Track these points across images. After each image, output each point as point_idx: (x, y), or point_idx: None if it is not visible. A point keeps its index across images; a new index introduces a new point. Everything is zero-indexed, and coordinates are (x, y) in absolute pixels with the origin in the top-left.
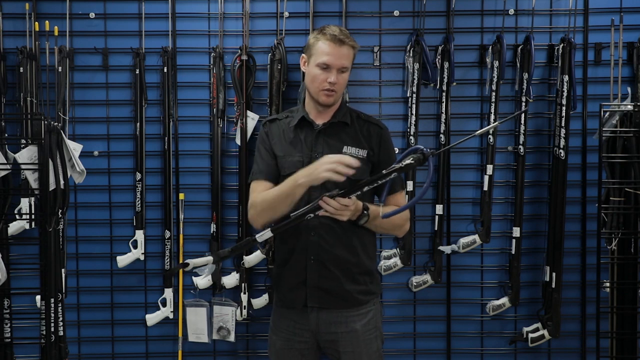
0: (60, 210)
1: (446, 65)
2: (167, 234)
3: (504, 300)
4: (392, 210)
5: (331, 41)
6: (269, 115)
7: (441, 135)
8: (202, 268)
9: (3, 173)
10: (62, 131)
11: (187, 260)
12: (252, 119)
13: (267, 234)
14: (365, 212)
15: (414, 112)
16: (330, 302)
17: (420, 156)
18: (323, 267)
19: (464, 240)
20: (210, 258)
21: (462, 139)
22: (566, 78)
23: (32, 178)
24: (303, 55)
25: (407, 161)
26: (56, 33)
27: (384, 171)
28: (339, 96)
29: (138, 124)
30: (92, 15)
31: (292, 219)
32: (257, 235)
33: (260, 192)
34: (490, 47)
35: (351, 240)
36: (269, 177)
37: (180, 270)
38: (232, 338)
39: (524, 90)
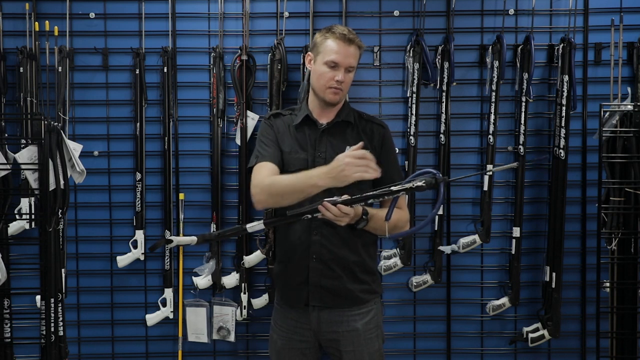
0: (60, 210)
1: (446, 65)
2: (167, 234)
3: (504, 300)
4: (397, 232)
5: (340, 40)
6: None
7: (441, 135)
8: (202, 268)
9: (3, 173)
10: (62, 131)
11: (171, 237)
12: (252, 119)
13: (258, 225)
14: (364, 217)
15: (414, 112)
16: (333, 301)
17: (432, 180)
18: (325, 267)
19: (464, 240)
20: (194, 238)
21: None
22: (566, 78)
23: (32, 178)
24: (309, 53)
25: (418, 183)
26: (56, 33)
27: (392, 188)
28: (345, 95)
29: (138, 124)
30: (92, 15)
31: (287, 216)
32: (247, 226)
33: (268, 175)
34: (490, 47)
35: (353, 239)
36: (275, 161)
37: (180, 270)
38: (232, 338)
39: (524, 90)
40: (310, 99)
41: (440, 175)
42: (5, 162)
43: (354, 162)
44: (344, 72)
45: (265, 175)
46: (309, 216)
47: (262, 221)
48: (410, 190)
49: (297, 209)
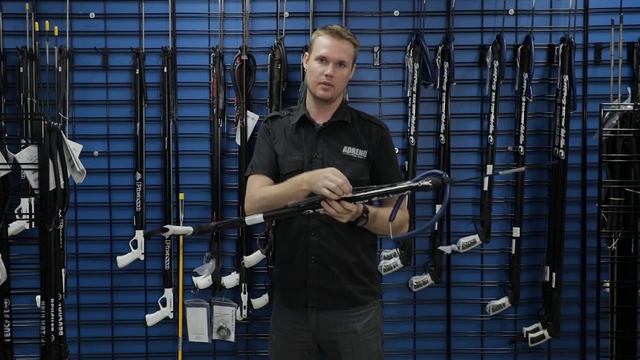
0: (60, 210)
1: (446, 65)
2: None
3: (504, 300)
4: (402, 234)
5: (329, 35)
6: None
7: (441, 135)
8: (202, 268)
9: (3, 173)
10: (62, 131)
11: (167, 226)
12: (252, 119)
13: (257, 218)
14: (364, 214)
15: (414, 112)
16: (331, 302)
17: (439, 181)
18: (324, 268)
19: (464, 240)
20: (190, 228)
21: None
22: (566, 78)
23: (32, 178)
24: (306, 53)
25: (425, 183)
26: (56, 33)
27: (398, 186)
28: (337, 92)
29: (138, 124)
30: (92, 15)
31: (288, 208)
32: (246, 218)
33: (260, 186)
34: (490, 47)
35: (352, 240)
36: (269, 173)
37: (180, 270)
38: (232, 338)
39: (524, 90)
40: (307, 98)
41: (447, 176)
42: (5, 162)
43: (331, 179)
44: (334, 67)
45: (255, 189)
46: (310, 211)
47: (261, 214)
48: (416, 189)
49: (298, 201)
